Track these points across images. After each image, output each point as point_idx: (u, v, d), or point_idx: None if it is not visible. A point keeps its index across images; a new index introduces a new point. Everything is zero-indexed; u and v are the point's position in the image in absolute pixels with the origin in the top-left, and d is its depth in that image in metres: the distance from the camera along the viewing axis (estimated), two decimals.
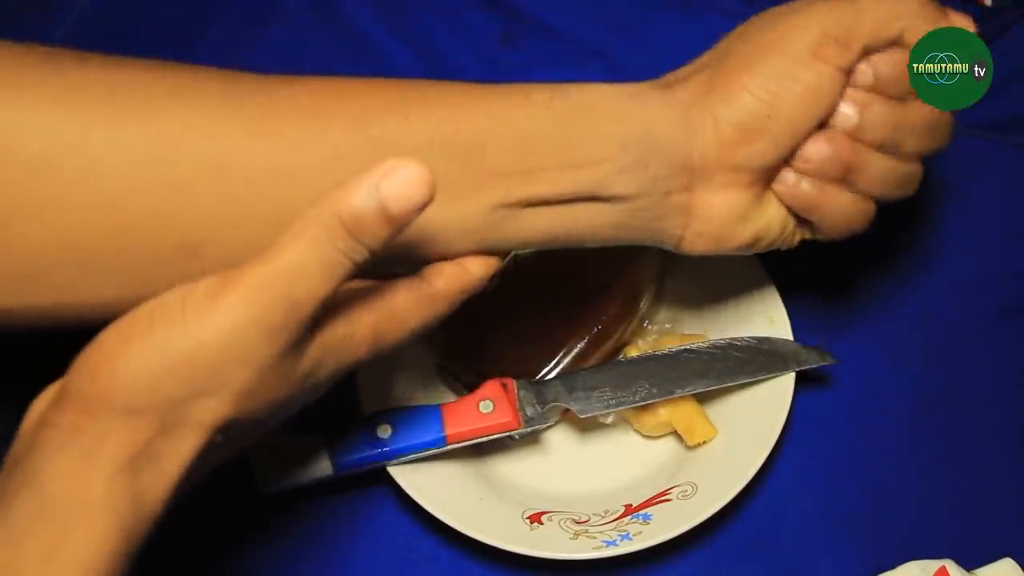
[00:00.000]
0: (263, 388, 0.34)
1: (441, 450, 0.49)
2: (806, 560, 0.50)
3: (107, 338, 0.33)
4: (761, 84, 0.41)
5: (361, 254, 0.33)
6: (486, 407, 0.49)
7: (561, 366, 0.52)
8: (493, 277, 0.42)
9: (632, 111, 0.42)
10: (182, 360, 0.32)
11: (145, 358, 0.32)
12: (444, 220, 0.40)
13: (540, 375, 0.52)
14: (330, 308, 0.35)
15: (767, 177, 0.44)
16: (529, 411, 0.49)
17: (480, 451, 0.52)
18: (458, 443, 0.49)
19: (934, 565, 0.46)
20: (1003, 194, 0.61)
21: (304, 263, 0.33)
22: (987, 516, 0.51)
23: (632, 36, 0.68)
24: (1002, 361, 0.55)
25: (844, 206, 0.44)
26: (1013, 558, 0.47)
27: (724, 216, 0.43)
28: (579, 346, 0.52)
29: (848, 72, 0.42)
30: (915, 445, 0.53)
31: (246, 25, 0.70)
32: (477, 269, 0.41)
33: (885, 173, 0.44)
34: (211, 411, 0.33)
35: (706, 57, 0.44)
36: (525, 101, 0.41)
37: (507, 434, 0.49)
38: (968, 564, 0.47)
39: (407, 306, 0.38)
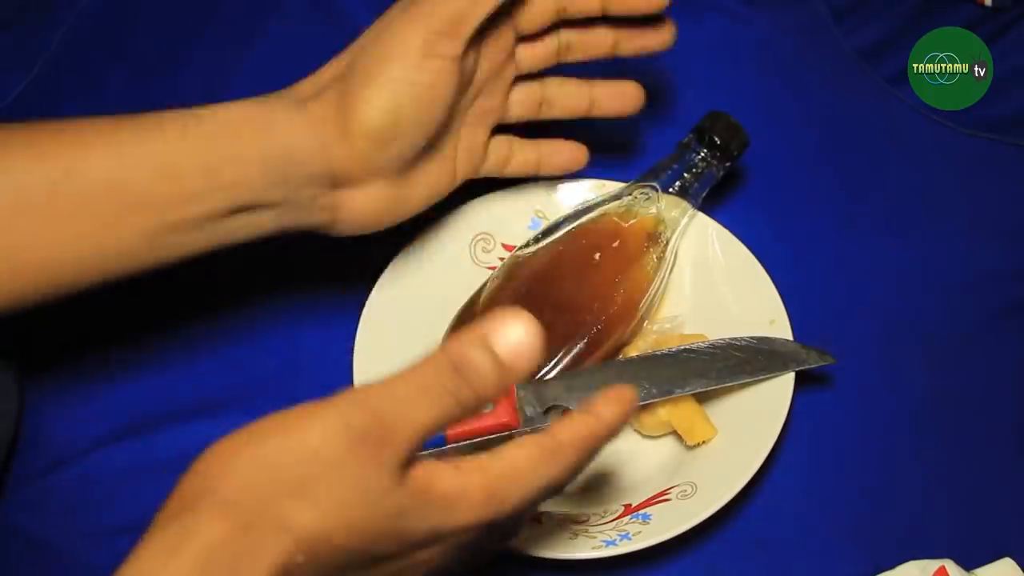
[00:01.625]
0: (344, 503, 0.33)
1: (441, 450, 0.49)
2: (806, 560, 0.50)
3: (222, 445, 0.33)
4: (384, 97, 0.45)
5: (468, 398, 0.34)
6: (486, 407, 0.49)
7: (561, 366, 0.52)
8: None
9: (270, 131, 0.45)
10: (271, 464, 0.33)
11: (241, 459, 0.33)
12: (99, 248, 0.43)
13: (540, 375, 0.51)
14: (437, 465, 0.35)
15: (413, 162, 0.47)
16: (529, 411, 0.49)
17: (480, 451, 0.52)
18: (458, 443, 0.49)
19: (934, 565, 0.46)
20: (1003, 194, 0.61)
21: (408, 396, 0.34)
22: (987, 516, 0.51)
23: None
24: (1002, 361, 0.55)
25: None
26: (1013, 558, 0.47)
27: (372, 206, 0.47)
28: (579, 346, 0.52)
29: (463, 56, 0.46)
30: (915, 445, 0.53)
31: (246, 24, 0.70)
32: (609, 415, 0.38)
33: None
34: (290, 516, 0.32)
35: (333, 68, 0.48)
36: (159, 132, 0.44)
37: (507, 434, 0.49)
38: (968, 564, 0.47)
39: (528, 463, 0.37)
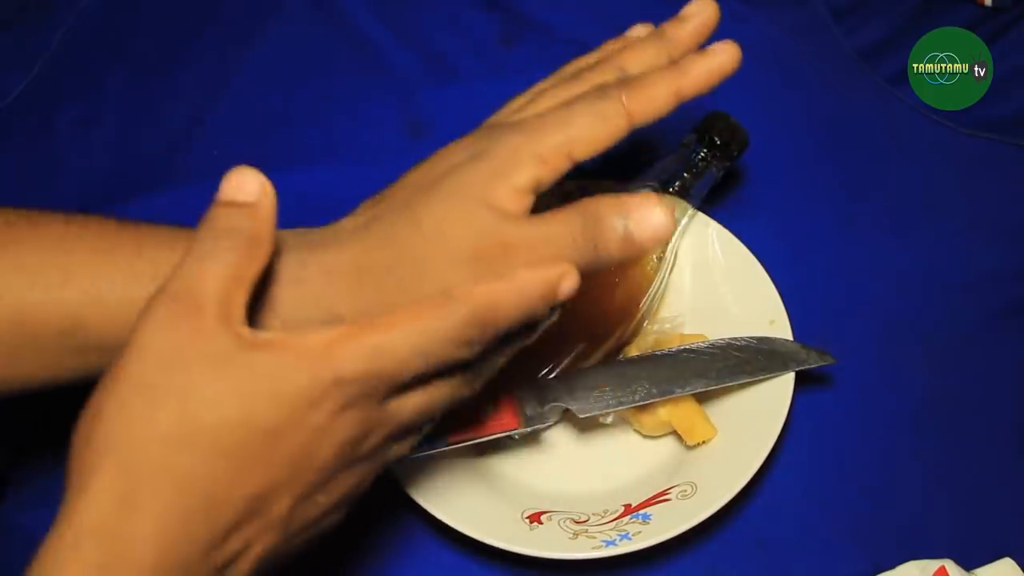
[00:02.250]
0: (200, 387, 0.33)
1: (441, 450, 0.49)
2: (806, 560, 0.50)
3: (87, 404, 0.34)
4: None
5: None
6: (486, 407, 0.49)
7: (561, 366, 0.52)
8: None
9: None
10: (124, 396, 0.33)
11: (104, 411, 0.33)
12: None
13: (540, 375, 0.51)
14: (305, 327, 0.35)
15: None
16: (529, 411, 0.49)
17: (480, 451, 0.52)
18: (458, 443, 0.49)
19: (934, 565, 0.46)
20: (1003, 194, 0.61)
21: (194, 252, 0.35)
22: (987, 516, 0.51)
23: None
24: (1002, 361, 0.55)
25: None
26: (1013, 558, 0.47)
27: None
28: (579, 346, 0.52)
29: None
30: (915, 445, 0.53)
31: (246, 25, 0.70)
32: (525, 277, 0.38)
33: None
34: (163, 422, 0.33)
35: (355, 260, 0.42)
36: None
37: (507, 434, 0.49)
38: (968, 564, 0.47)
39: (414, 313, 0.35)
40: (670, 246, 0.55)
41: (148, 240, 0.42)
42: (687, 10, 0.45)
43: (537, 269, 0.37)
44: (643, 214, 0.38)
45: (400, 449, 0.39)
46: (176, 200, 0.62)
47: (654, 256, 0.54)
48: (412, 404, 0.37)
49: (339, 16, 0.70)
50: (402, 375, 0.35)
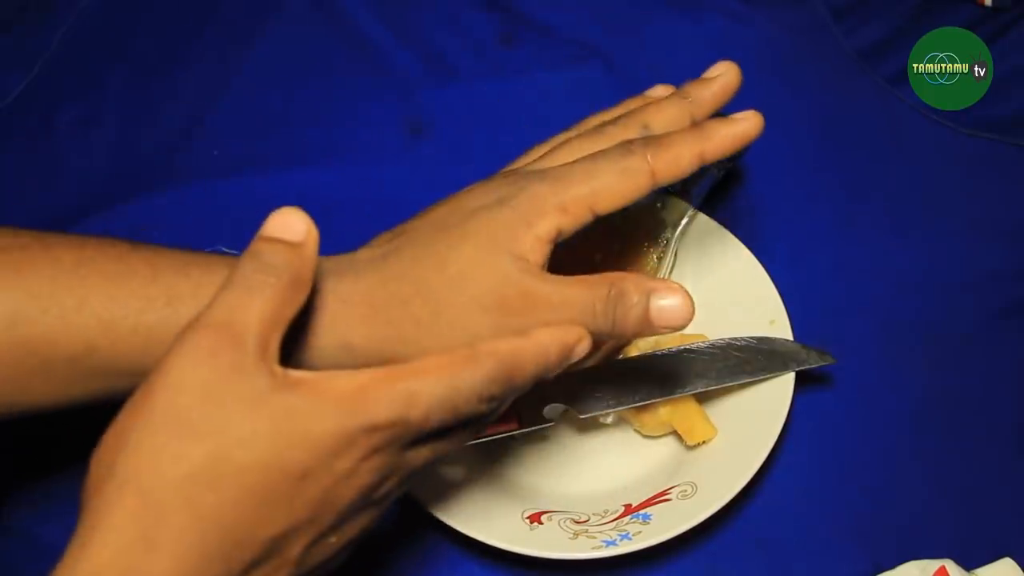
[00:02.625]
0: (232, 422, 0.33)
1: None
2: (806, 560, 0.50)
3: (111, 426, 0.34)
4: None
5: (274, 272, 0.34)
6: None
7: None
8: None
9: None
10: (149, 419, 0.33)
11: (129, 432, 0.33)
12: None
13: None
14: (335, 371, 0.35)
15: None
16: (529, 411, 0.49)
17: (480, 451, 0.52)
18: None
19: (934, 565, 0.46)
20: (1003, 194, 0.61)
21: (232, 291, 0.34)
22: (987, 516, 0.51)
23: (632, 36, 0.68)
24: (1002, 361, 0.55)
25: None
26: (1013, 558, 0.47)
27: None
28: None
29: None
30: (915, 445, 0.53)
31: (246, 25, 0.70)
32: (544, 337, 0.38)
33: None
34: (187, 454, 0.32)
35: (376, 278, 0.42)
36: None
37: (507, 434, 0.49)
38: (968, 564, 0.47)
39: (438, 362, 0.35)
40: (670, 246, 0.55)
41: (163, 265, 0.42)
42: (712, 71, 0.46)
43: (557, 330, 0.38)
44: (668, 301, 0.40)
45: (403, 490, 0.39)
46: (176, 200, 0.62)
47: (654, 256, 0.54)
48: (428, 451, 0.37)
49: (339, 16, 0.70)
50: (428, 424, 0.35)
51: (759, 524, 0.51)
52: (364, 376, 0.34)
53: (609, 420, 0.53)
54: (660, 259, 0.54)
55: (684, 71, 0.66)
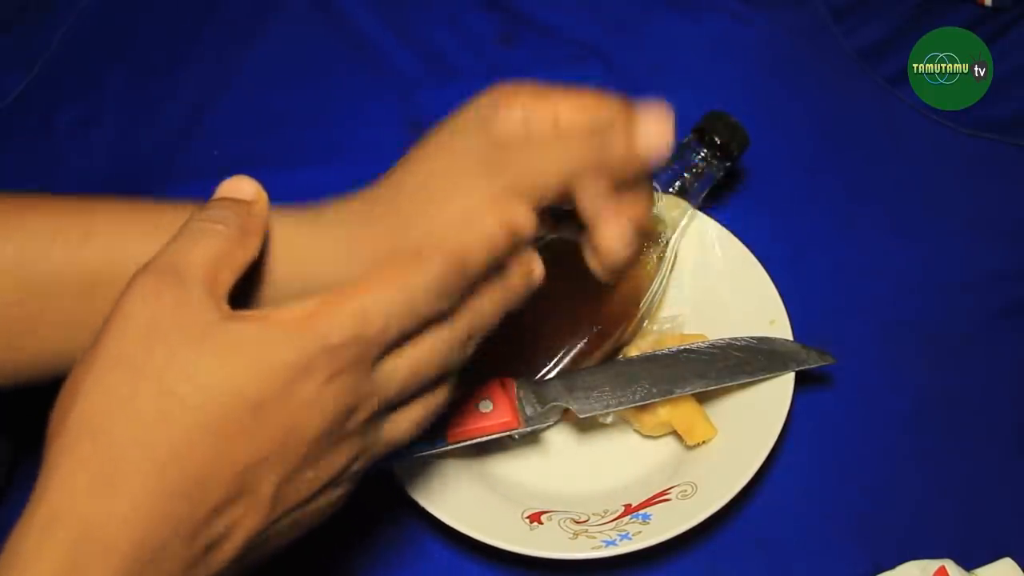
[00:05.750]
0: (185, 353, 0.32)
1: (441, 450, 0.49)
2: (806, 560, 0.50)
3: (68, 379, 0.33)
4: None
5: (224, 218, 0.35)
6: (486, 407, 0.49)
7: (561, 366, 0.52)
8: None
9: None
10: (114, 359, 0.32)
11: (86, 383, 0.33)
12: None
13: (540, 375, 0.52)
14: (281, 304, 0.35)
15: None
16: (529, 411, 0.49)
17: (480, 451, 0.52)
18: (458, 443, 0.49)
19: (934, 565, 0.46)
20: (1003, 194, 0.61)
21: (186, 237, 0.34)
22: (987, 516, 0.51)
23: (631, 36, 0.69)
24: (1002, 361, 0.55)
25: None
26: (1013, 558, 0.47)
27: None
28: (579, 346, 0.52)
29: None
30: (915, 445, 0.53)
31: (246, 25, 0.70)
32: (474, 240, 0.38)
33: None
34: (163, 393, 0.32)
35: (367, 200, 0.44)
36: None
37: (507, 434, 0.49)
38: (968, 564, 0.47)
39: (381, 272, 0.35)
40: (670, 246, 0.55)
41: (169, 205, 0.42)
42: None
43: (500, 212, 0.39)
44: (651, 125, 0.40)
45: (395, 430, 0.37)
46: (176, 200, 0.62)
47: (654, 256, 0.54)
48: (401, 369, 0.36)
49: (339, 16, 0.70)
50: (388, 334, 0.34)
51: (759, 524, 0.51)
52: (313, 301, 0.34)
53: (609, 420, 0.53)
54: (660, 259, 0.54)
55: (684, 71, 0.66)
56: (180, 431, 0.31)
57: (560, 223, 0.46)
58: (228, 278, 0.34)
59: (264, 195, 0.37)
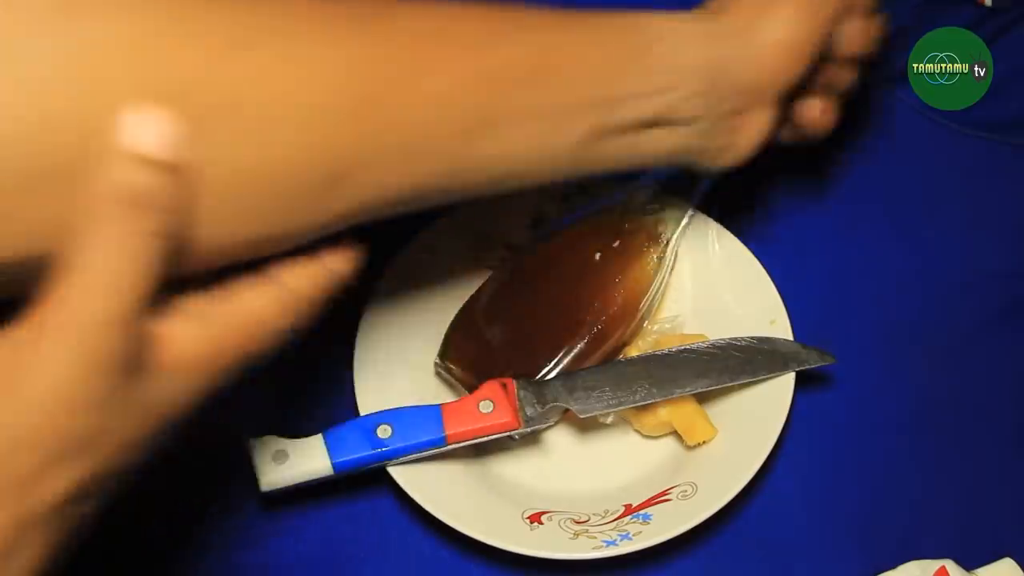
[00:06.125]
0: (111, 428, 0.30)
1: (441, 450, 0.49)
2: (806, 560, 0.50)
3: None
4: (807, 11, 0.46)
5: (162, 222, 0.29)
6: (486, 407, 0.49)
7: (561, 366, 0.52)
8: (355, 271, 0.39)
9: (700, 39, 0.44)
10: (16, 438, 0.28)
11: None
12: (540, 150, 0.41)
13: (540, 375, 0.51)
14: (186, 328, 0.32)
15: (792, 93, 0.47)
16: (529, 411, 0.49)
17: (480, 451, 0.52)
18: (458, 443, 0.49)
19: (934, 565, 0.46)
20: (1003, 194, 0.61)
21: (104, 269, 0.28)
22: (987, 516, 0.51)
23: None
24: (1002, 361, 0.55)
25: None
26: (1013, 558, 0.47)
27: (756, 134, 0.47)
28: (579, 346, 0.52)
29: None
30: (915, 445, 0.53)
31: None
32: (336, 264, 0.37)
33: None
34: (63, 480, 0.29)
35: None
36: (602, 32, 0.43)
37: (507, 434, 0.49)
38: (968, 564, 0.47)
39: (270, 314, 0.35)
40: (670, 246, 0.55)
41: None
42: None
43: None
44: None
45: None
46: None
47: (654, 256, 0.54)
48: None
49: None
50: None
51: (759, 524, 0.51)
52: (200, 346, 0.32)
53: (609, 420, 0.53)
54: (660, 259, 0.54)
55: None
56: None
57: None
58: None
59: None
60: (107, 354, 0.29)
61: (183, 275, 0.33)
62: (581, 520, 0.49)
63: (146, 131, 0.28)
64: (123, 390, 0.30)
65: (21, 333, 0.29)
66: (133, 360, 0.30)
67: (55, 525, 0.30)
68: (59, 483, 0.29)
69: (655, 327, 0.55)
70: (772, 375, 0.51)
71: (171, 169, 0.29)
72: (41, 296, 0.29)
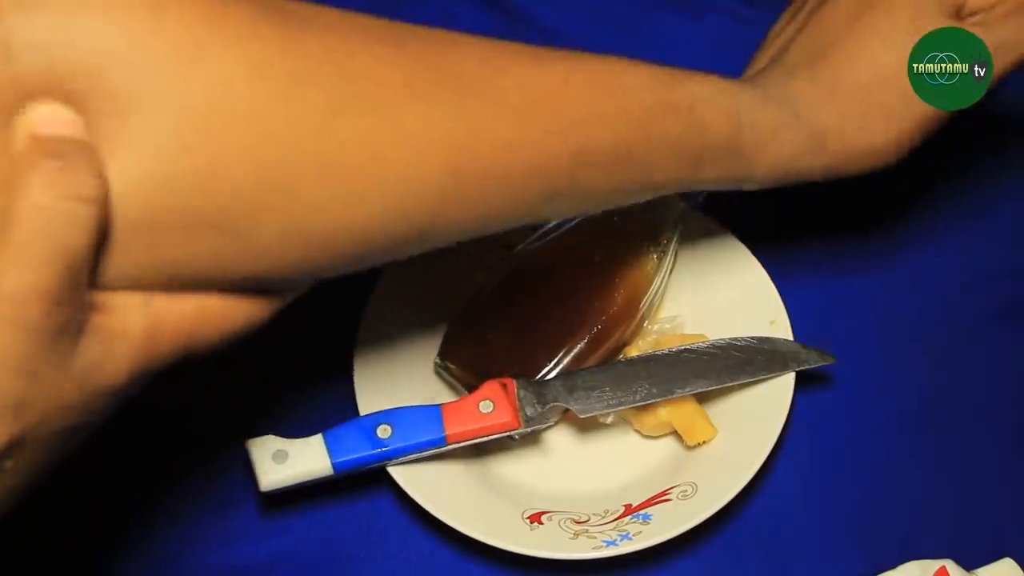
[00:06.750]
0: (43, 391, 0.30)
1: (441, 450, 0.49)
2: (806, 560, 0.50)
3: None
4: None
5: (92, 185, 0.30)
6: (486, 407, 0.49)
7: (561, 366, 0.52)
8: None
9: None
10: None
11: None
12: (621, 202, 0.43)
13: (540, 375, 0.52)
14: (123, 302, 0.32)
15: None
16: (529, 411, 0.49)
17: (480, 451, 0.52)
18: (458, 443, 0.49)
19: (934, 565, 0.46)
20: (1003, 194, 0.61)
21: (35, 237, 0.29)
22: (987, 516, 0.51)
23: (632, 36, 0.68)
24: (1002, 361, 0.55)
25: None
26: (1013, 558, 0.47)
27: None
28: (579, 346, 0.52)
29: None
30: (915, 445, 0.53)
31: None
32: None
33: None
34: None
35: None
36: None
37: (507, 434, 0.49)
38: (968, 564, 0.47)
39: (219, 304, 0.35)
40: (670, 246, 0.55)
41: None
42: None
43: None
44: None
45: None
46: None
47: (654, 256, 0.54)
48: None
49: None
50: None
51: (759, 524, 0.51)
52: None
53: (609, 420, 0.53)
54: (660, 259, 0.54)
55: None
56: None
57: None
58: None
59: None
60: (35, 322, 0.29)
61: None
62: (581, 520, 0.49)
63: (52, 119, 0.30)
64: (51, 355, 0.30)
65: None
66: (64, 327, 0.30)
67: None
68: None
69: (655, 327, 0.55)
70: (772, 375, 0.51)
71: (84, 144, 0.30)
72: None
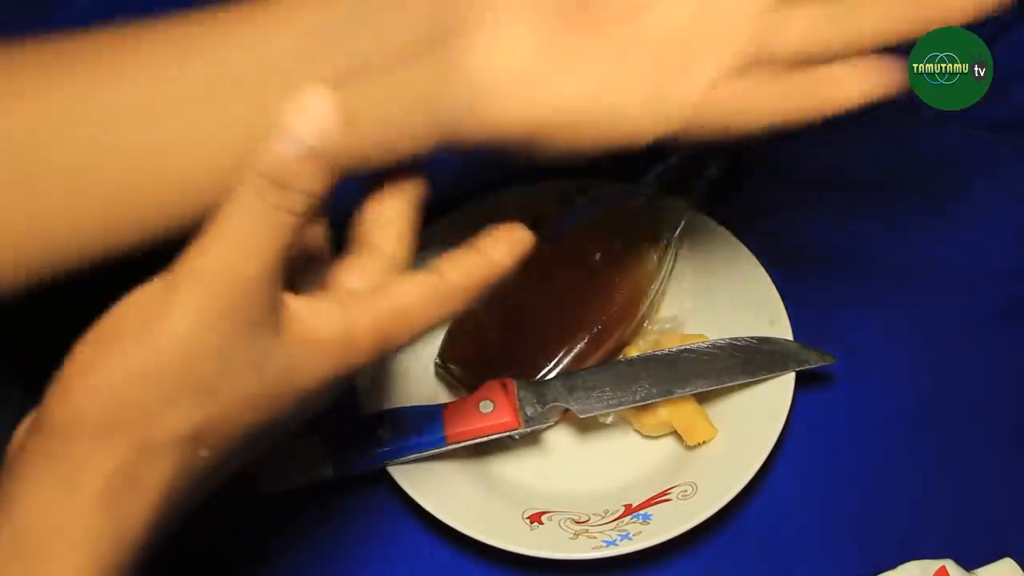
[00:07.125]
0: (234, 382, 0.32)
1: (441, 450, 0.49)
2: (806, 560, 0.50)
3: (77, 358, 0.31)
4: None
5: (300, 202, 0.32)
6: (486, 407, 0.49)
7: (561, 366, 0.52)
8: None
9: None
10: (146, 372, 0.31)
11: (111, 375, 0.31)
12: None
13: (540, 375, 0.52)
14: (321, 306, 0.34)
15: None
16: (529, 411, 0.49)
17: (480, 451, 0.52)
18: (458, 443, 0.49)
19: (934, 565, 0.46)
20: (1003, 194, 0.61)
21: (242, 232, 0.31)
22: (987, 516, 0.51)
23: None
24: (1002, 361, 0.55)
25: None
26: (1013, 558, 0.47)
27: None
28: (579, 346, 0.52)
29: None
30: (915, 445, 0.53)
31: None
32: (499, 256, 0.37)
33: None
34: (183, 419, 0.31)
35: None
36: None
37: (507, 434, 0.49)
38: (968, 564, 0.47)
39: (418, 304, 0.36)
40: (670, 246, 0.55)
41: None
42: None
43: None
44: None
45: None
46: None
47: (654, 256, 0.54)
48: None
49: None
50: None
51: (759, 524, 0.51)
52: (351, 321, 0.34)
53: (609, 420, 0.53)
54: (660, 259, 0.54)
55: None
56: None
57: None
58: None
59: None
60: (232, 308, 0.31)
61: None
62: (581, 520, 0.49)
63: (307, 117, 0.31)
64: (245, 346, 0.32)
65: (168, 278, 0.32)
66: (259, 321, 0.32)
67: (174, 460, 0.32)
68: (178, 422, 0.31)
69: (655, 327, 0.55)
70: (772, 375, 0.51)
71: (318, 154, 0.31)
72: (187, 249, 0.32)
